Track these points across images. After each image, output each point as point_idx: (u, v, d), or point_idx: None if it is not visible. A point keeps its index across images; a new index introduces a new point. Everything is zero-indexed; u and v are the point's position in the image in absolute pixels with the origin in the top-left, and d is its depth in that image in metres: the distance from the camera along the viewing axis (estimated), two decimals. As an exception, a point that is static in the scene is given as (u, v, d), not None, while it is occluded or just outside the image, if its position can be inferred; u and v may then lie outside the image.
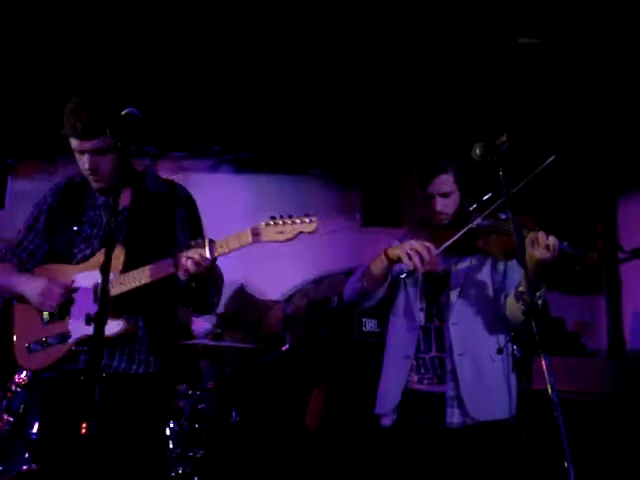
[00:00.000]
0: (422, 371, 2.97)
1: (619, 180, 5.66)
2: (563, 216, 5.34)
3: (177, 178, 5.93)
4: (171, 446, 4.28)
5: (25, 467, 3.92)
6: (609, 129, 5.13)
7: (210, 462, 4.36)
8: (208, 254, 2.53)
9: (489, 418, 2.85)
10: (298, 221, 2.51)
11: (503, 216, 2.86)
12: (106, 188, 2.78)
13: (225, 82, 4.98)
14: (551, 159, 2.74)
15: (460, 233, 2.87)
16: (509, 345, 2.75)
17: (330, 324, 5.11)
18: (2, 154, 5.83)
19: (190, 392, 4.46)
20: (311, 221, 2.51)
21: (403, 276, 2.91)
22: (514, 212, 2.49)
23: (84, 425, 2.06)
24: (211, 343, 4.98)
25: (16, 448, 4.03)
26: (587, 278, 5.69)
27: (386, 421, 3.01)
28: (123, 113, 2.47)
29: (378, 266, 2.96)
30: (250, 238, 2.52)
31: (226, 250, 2.55)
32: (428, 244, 2.81)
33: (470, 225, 2.89)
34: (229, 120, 5.46)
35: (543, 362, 2.19)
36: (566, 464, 2.05)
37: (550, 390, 2.14)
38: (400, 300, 3.12)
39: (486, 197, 2.84)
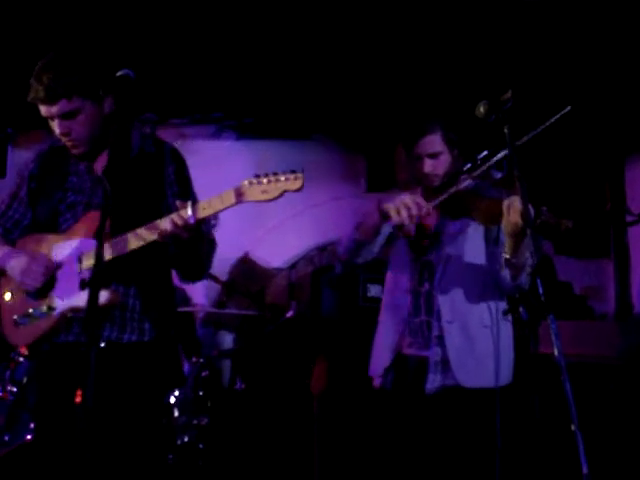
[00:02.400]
0: (412, 335, 2.94)
1: (626, 142, 5.58)
2: (571, 180, 5.28)
3: (178, 145, 5.93)
4: (176, 414, 4.28)
5: (29, 437, 3.95)
6: (616, 90, 5.05)
7: (215, 430, 4.36)
8: (190, 215, 2.44)
9: (475, 385, 2.82)
10: (282, 178, 2.41)
11: (498, 175, 2.77)
12: (85, 152, 2.69)
13: (226, 47, 4.90)
14: (566, 110, 2.62)
15: (445, 195, 2.76)
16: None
17: (334, 290, 5.08)
18: (2, 124, 5.77)
19: (194, 360, 4.45)
20: (296, 178, 2.41)
21: (391, 229, 2.85)
22: (520, 171, 2.41)
23: (79, 394, 2.02)
24: (215, 311, 4.98)
25: (21, 418, 4.04)
26: (595, 242, 5.64)
27: (378, 383, 3.00)
28: (117, 75, 2.40)
29: (371, 218, 2.89)
30: (234, 198, 2.43)
31: (210, 212, 2.46)
32: (419, 199, 2.73)
33: (457, 186, 2.77)
34: (231, 86, 5.38)
35: (550, 325, 2.14)
36: (573, 427, 2.01)
37: (557, 353, 2.09)
38: (394, 262, 3.08)
39: (482, 155, 2.73)
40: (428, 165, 2.91)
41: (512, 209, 2.57)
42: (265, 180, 2.42)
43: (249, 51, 4.94)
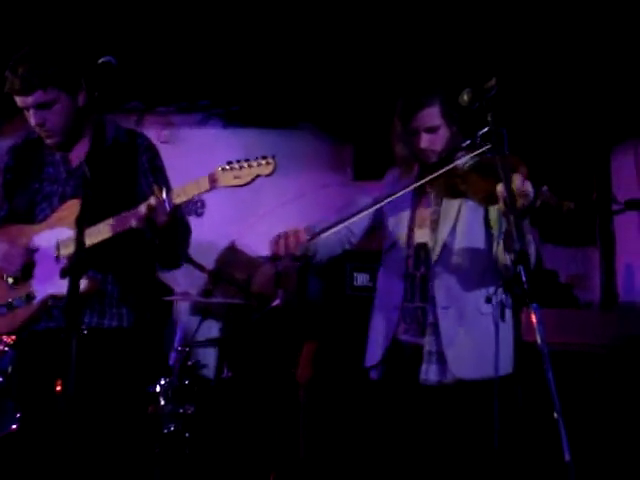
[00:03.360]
0: (408, 321, 2.87)
1: (612, 131, 5.58)
2: (557, 168, 5.28)
3: (165, 134, 5.90)
4: (162, 403, 4.28)
5: (15, 426, 3.93)
6: (602, 79, 5.04)
7: (201, 418, 4.35)
8: (164, 199, 2.49)
9: (473, 376, 2.75)
10: (255, 164, 2.49)
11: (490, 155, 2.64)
12: (61, 143, 2.72)
13: (213, 35, 4.87)
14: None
15: (428, 178, 2.71)
16: (498, 295, 2.55)
17: (321, 279, 5.08)
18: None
19: (179, 348, 4.44)
20: (268, 163, 2.49)
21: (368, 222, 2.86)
22: (503, 157, 2.40)
23: (59, 382, 2.03)
24: (201, 299, 4.97)
25: (7, 407, 4.03)
26: (581, 230, 5.65)
27: (374, 374, 2.95)
28: (99, 61, 2.39)
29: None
30: (208, 184, 2.50)
31: (184, 198, 2.53)
32: (301, 234, 2.71)
33: (451, 164, 2.68)
34: (217, 74, 5.35)
35: (533, 313, 2.13)
36: (556, 416, 2.02)
37: (540, 341, 2.09)
38: (389, 247, 3.01)
39: (482, 132, 2.58)
40: (425, 140, 2.82)
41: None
42: (237, 166, 2.50)
43: (235, 39, 4.91)
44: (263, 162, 2.50)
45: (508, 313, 2.71)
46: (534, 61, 4.83)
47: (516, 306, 2.39)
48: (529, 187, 2.46)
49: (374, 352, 2.96)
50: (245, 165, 2.50)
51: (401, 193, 2.76)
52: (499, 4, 4.38)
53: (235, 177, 2.49)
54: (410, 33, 4.78)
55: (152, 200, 2.51)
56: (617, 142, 5.68)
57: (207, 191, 2.52)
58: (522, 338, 2.61)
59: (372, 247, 3.23)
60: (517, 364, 2.60)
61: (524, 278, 2.15)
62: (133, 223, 2.53)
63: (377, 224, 3.06)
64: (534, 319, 2.11)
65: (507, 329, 2.70)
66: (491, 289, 2.70)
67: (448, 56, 4.81)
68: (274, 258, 2.79)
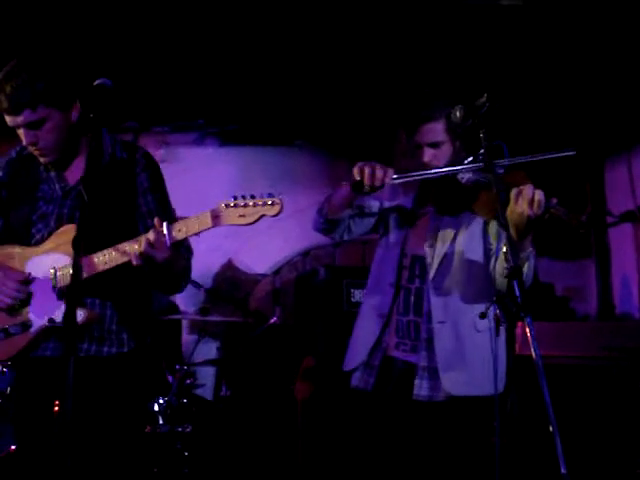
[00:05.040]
0: (400, 335, 2.86)
1: (606, 144, 5.61)
2: (551, 181, 5.29)
3: (161, 153, 5.90)
4: (160, 422, 4.27)
5: (14, 447, 3.92)
6: (595, 92, 5.08)
7: (200, 437, 4.35)
8: (167, 238, 2.39)
9: (467, 393, 2.73)
10: (260, 203, 2.37)
11: (500, 171, 2.69)
12: (56, 160, 2.65)
13: (208, 54, 4.89)
14: (570, 153, 2.60)
15: (411, 177, 2.72)
16: (492, 310, 2.50)
17: (318, 296, 5.08)
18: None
19: (177, 367, 4.43)
20: (274, 203, 2.37)
21: (348, 186, 2.75)
22: (495, 175, 2.43)
23: (57, 404, 2.00)
24: (198, 318, 4.97)
25: (5, 428, 4.02)
26: (576, 243, 5.67)
27: (355, 381, 2.92)
28: (94, 84, 2.37)
29: (339, 189, 2.83)
30: (210, 221, 2.39)
31: (185, 234, 2.42)
32: (390, 169, 2.68)
33: (433, 174, 2.71)
34: (213, 93, 5.38)
35: (527, 327, 2.15)
36: (551, 429, 2.03)
37: (534, 355, 2.10)
38: (380, 254, 3.01)
39: (483, 150, 2.56)
40: (428, 154, 2.83)
41: (521, 197, 2.47)
42: (242, 203, 2.38)
43: (230, 58, 4.94)
44: (269, 202, 2.37)
45: (502, 329, 2.66)
46: (528, 74, 4.87)
47: (510, 321, 2.39)
48: (541, 196, 2.46)
49: (354, 356, 2.95)
50: (250, 203, 2.37)
51: (401, 180, 2.73)
52: (491, 19, 4.41)
53: (240, 215, 2.37)
54: (409, 49, 4.81)
55: (151, 235, 2.41)
56: (610, 155, 5.71)
57: (209, 228, 2.40)
58: (517, 352, 2.62)
59: (367, 263, 3.23)
60: (509, 381, 2.61)
61: (517, 292, 2.17)
62: (133, 260, 2.43)
63: (378, 228, 3.06)
64: (528, 333, 2.12)
65: (501, 346, 2.68)
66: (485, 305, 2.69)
67: (450, 73, 4.83)
68: (356, 186, 2.68)
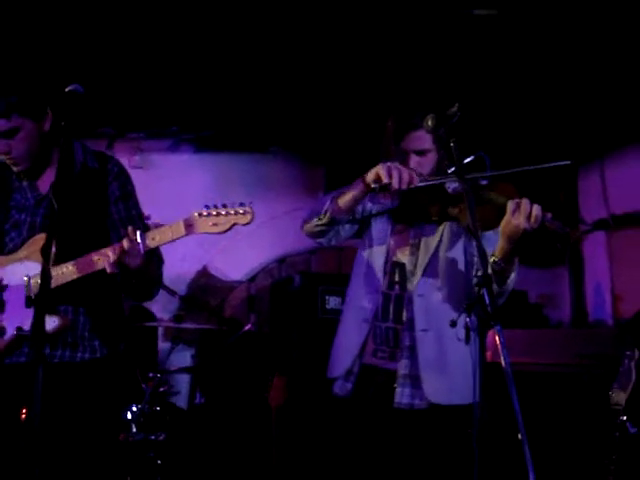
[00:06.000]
0: (378, 342, 2.84)
1: (580, 152, 5.66)
2: (524, 189, 5.33)
3: (136, 159, 5.88)
4: (134, 430, 4.24)
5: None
6: (568, 100, 5.12)
7: (173, 445, 4.32)
8: (141, 246, 2.46)
9: (449, 402, 2.74)
10: (232, 212, 2.46)
11: (483, 182, 2.71)
12: (28, 169, 2.69)
13: (182, 60, 4.88)
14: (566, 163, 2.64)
15: (433, 182, 2.71)
16: (463, 318, 2.47)
17: (293, 303, 5.08)
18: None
19: (150, 375, 4.41)
20: (245, 212, 2.47)
21: (375, 186, 2.70)
22: (468, 186, 2.43)
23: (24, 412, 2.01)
24: (173, 325, 4.95)
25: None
26: (549, 251, 5.70)
27: (337, 388, 2.91)
28: (66, 90, 2.39)
29: (353, 189, 2.77)
30: (183, 230, 2.47)
31: (158, 242, 2.50)
32: (414, 173, 2.68)
33: (444, 180, 2.71)
34: (187, 99, 5.36)
35: (497, 334, 2.16)
36: (520, 436, 2.04)
37: (504, 363, 2.11)
38: (362, 259, 2.97)
39: (468, 160, 2.62)
40: (414, 162, 2.82)
41: (519, 211, 2.49)
42: (215, 212, 2.47)
43: (204, 65, 4.93)
44: (241, 211, 2.47)
45: (474, 336, 2.71)
46: (502, 84, 4.90)
47: (481, 329, 2.40)
48: (539, 211, 2.50)
49: (339, 363, 2.93)
50: (223, 212, 2.47)
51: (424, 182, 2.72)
52: (466, 29, 4.44)
53: (213, 224, 2.46)
54: (388, 58, 4.83)
55: (125, 243, 2.46)
56: (584, 163, 5.75)
57: (182, 236, 2.49)
58: (489, 359, 2.62)
59: (343, 270, 3.22)
60: (482, 388, 2.61)
61: (487, 300, 2.18)
62: (105, 267, 2.48)
63: (362, 233, 3.03)
64: (498, 340, 2.14)
65: (475, 354, 2.59)
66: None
67: (427, 81, 4.85)
68: (382, 187, 2.66)
